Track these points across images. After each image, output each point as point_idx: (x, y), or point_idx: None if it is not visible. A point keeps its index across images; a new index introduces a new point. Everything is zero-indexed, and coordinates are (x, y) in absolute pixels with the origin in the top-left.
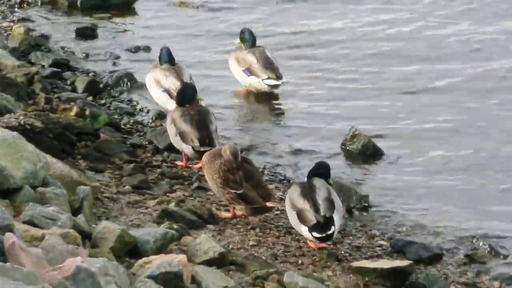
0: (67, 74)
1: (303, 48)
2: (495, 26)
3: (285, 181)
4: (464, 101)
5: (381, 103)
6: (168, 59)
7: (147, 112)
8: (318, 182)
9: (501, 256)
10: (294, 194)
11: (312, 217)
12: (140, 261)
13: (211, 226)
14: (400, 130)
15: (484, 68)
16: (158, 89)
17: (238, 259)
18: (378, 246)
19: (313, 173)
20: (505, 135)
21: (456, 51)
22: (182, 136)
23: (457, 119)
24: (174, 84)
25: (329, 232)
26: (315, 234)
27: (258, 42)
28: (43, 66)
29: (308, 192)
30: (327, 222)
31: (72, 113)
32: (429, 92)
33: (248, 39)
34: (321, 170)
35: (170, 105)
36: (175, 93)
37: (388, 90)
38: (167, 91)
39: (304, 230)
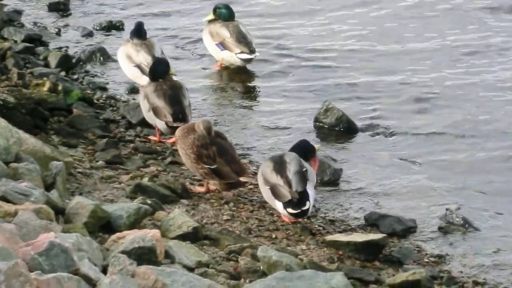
0: (40, 49)
1: (278, 27)
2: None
3: (258, 156)
4: (442, 75)
5: (355, 80)
6: (138, 34)
7: (120, 86)
8: (288, 156)
9: (475, 229)
10: (266, 170)
11: (286, 193)
12: (114, 237)
13: (184, 201)
14: (374, 105)
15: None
16: (129, 64)
17: (212, 233)
18: (352, 220)
19: (294, 150)
20: (477, 104)
21: (427, 26)
22: (155, 111)
23: (433, 95)
24: (145, 59)
25: (305, 208)
26: (290, 210)
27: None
28: (15, 42)
29: (279, 167)
30: (302, 197)
31: (45, 89)
32: (402, 71)
33: (225, 13)
34: (299, 150)
35: (142, 80)
36: (146, 68)
37: (363, 69)
38: (138, 66)
39: (278, 205)
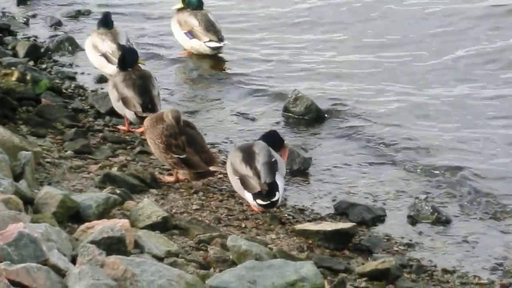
0: (8, 39)
1: (247, 14)
2: None
3: (227, 145)
4: (410, 65)
5: (324, 67)
6: (104, 23)
7: (89, 76)
8: (257, 147)
9: (444, 218)
10: (235, 160)
11: (255, 185)
12: (83, 226)
13: (154, 191)
14: (343, 93)
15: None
16: (96, 53)
17: (182, 223)
18: (322, 209)
19: (263, 140)
20: (445, 87)
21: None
22: (124, 101)
23: (402, 85)
24: (110, 48)
25: (274, 199)
26: (260, 201)
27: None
28: None
29: (249, 157)
30: (271, 188)
31: (13, 78)
32: (371, 57)
33: (194, 1)
34: (269, 139)
35: (109, 69)
36: (112, 57)
37: (332, 62)
38: (104, 55)
39: (248, 196)
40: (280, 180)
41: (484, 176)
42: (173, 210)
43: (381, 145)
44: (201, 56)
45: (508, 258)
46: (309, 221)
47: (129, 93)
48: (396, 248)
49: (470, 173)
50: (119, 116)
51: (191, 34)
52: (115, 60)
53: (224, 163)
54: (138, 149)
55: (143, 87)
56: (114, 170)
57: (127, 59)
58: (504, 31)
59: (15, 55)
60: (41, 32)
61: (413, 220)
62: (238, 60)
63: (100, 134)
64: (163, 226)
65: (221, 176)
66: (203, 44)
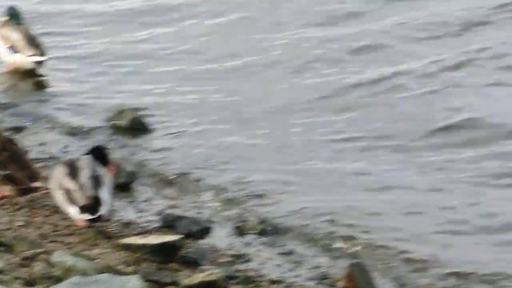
0: None
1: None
2: None
3: (52, 160)
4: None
5: (146, 79)
6: None
7: None
8: (82, 161)
9: (269, 228)
10: (60, 175)
11: (79, 199)
12: None
13: None
14: (167, 108)
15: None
16: None
17: (6, 240)
18: (148, 222)
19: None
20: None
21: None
22: None
23: (224, 88)
24: None
25: (98, 213)
26: (84, 215)
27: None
28: None
29: (73, 172)
30: (96, 202)
31: None
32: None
33: (14, 16)
34: (95, 154)
35: None
36: None
37: (158, 67)
38: None
39: (72, 210)
40: (105, 194)
41: (295, 185)
42: None
43: (206, 158)
44: (25, 72)
45: (333, 267)
46: (135, 234)
47: None
48: (223, 260)
49: (299, 180)
50: None
51: (13, 48)
52: None
53: (48, 178)
54: None
55: None
56: None
57: None
58: None
59: None
60: None
61: (240, 231)
62: (64, 77)
63: None
64: None
65: (46, 191)
66: (26, 58)
